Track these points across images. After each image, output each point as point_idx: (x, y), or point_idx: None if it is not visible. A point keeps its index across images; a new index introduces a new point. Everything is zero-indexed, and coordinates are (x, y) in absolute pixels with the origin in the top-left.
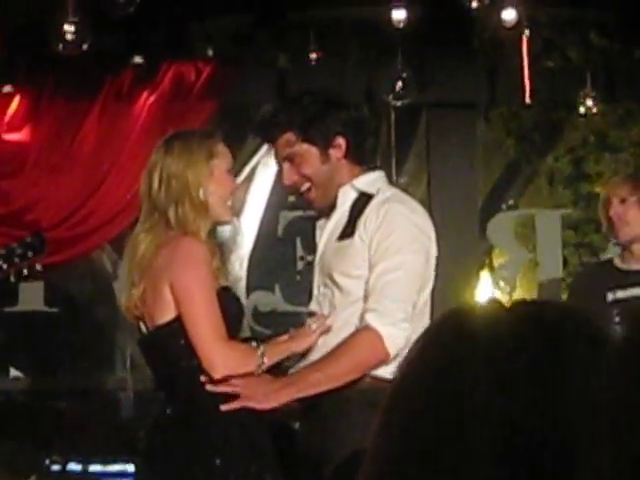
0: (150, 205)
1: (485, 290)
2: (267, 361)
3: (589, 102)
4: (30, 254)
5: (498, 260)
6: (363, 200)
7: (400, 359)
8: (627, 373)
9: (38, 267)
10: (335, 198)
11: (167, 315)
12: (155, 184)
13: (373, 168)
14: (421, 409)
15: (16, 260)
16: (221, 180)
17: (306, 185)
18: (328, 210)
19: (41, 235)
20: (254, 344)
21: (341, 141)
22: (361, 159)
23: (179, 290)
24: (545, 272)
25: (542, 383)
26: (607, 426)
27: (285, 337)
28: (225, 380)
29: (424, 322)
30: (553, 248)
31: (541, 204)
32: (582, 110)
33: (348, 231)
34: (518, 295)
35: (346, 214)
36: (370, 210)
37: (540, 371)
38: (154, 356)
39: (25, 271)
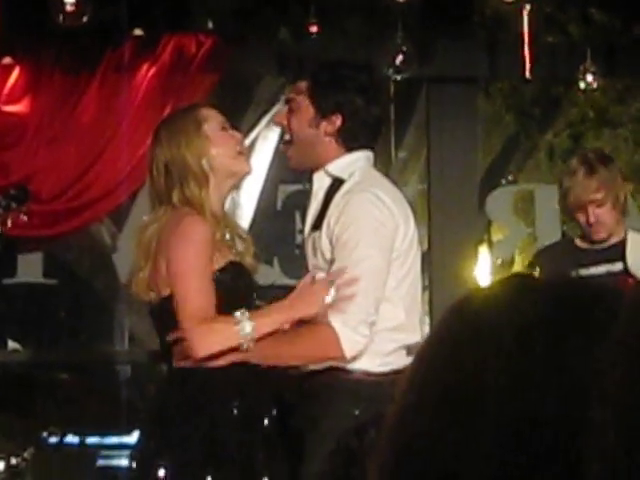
0: (155, 196)
1: (483, 265)
2: (256, 334)
3: (589, 77)
4: (14, 205)
5: (497, 235)
6: (335, 187)
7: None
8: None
9: (23, 217)
10: (311, 179)
11: (168, 288)
12: (154, 176)
13: (357, 148)
14: (435, 391)
15: (0, 212)
16: (219, 140)
17: (287, 136)
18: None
19: (24, 186)
20: (238, 315)
21: (338, 120)
22: (354, 146)
23: (170, 265)
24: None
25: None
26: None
27: (283, 303)
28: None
29: (395, 304)
30: (552, 223)
31: (540, 179)
32: (582, 85)
33: (318, 222)
34: (516, 270)
35: (320, 205)
36: (334, 204)
37: (565, 348)
38: (159, 325)
39: (9, 222)
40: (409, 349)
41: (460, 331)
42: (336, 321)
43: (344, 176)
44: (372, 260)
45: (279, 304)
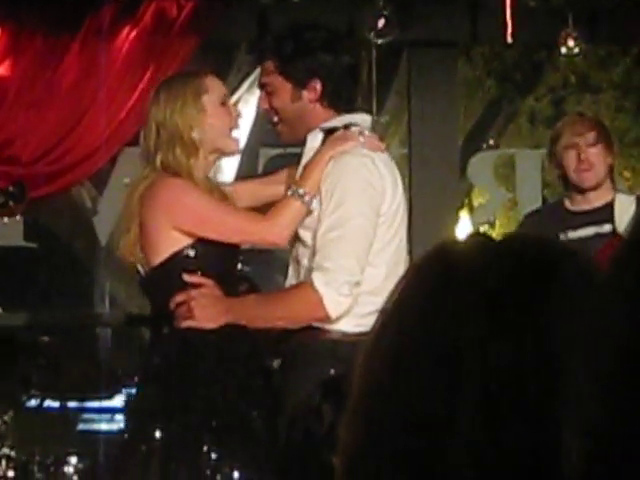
0: (145, 155)
1: (464, 229)
2: (311, 195)
3: (570, 43)
4: (11, 203)
5: (478, 199)
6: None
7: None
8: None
9: (18, 217)
10: (305, 139)
11: (162, 254)
12: (146, 134)
13: (350, 110)
14: (407, 345)
15: None
16: (216, 114)
17: (275, 117)
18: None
19: (22, 184)
20: (290, 192)
21: (317, 84)
22: (341, 105)
23: (190, 224)
24: (524, 212)
25: (534, 317)
26: (590, 360)
27: (319, 153)
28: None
29: (377, 267)
30: (533, 188)
31: (521, 144)
32: (563, 51)
33: None
34: (497, 235)
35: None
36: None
37: (534, 305)
38: (155, 293)
39: (5, 219)
40: None
41: (431, 292)
42: (319, 282)
43: (339, 125)
44: (358, 220)
45: (315, 158)
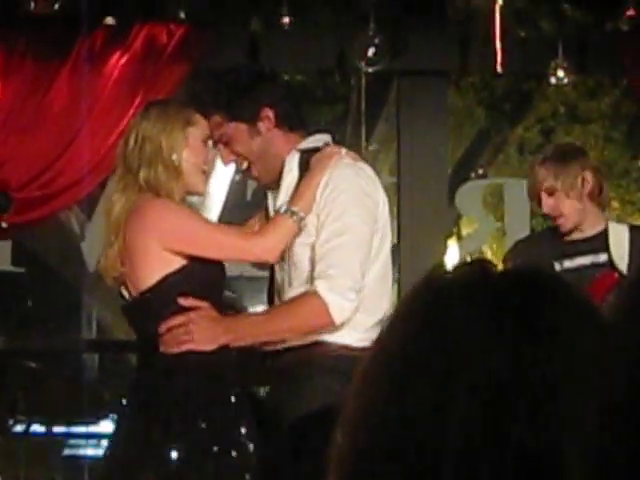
0: (124, 166)
1: (453, 258)
2: (303, 214)
3: (560, 73)
4: None
5: (466, 229)
6: (309, 155)
7: (356, 326)
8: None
9: (3, 225)
10: (281, 169)
11: (151, 278)
12: (130, 146)
13: (318, 131)
14: (399, 376)
15: None
16: (195, 148)
17: (245, 163)
18: (276, 184)
19: (6, 194)
20: (284, 209)
21: (269, 112)
22: (298, 125)
23: (181, 244)
24: (513, 241)
25: (535, 346)
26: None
27: (308, 175)
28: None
29: (381, 291)
30: (521, 218)
31: (510, 173)
32: (553, 81)
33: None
34: None
35: (296, 177)
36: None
37: (529, 320)
38: (142, 318)
39: None
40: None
41: (428, 317)
42: (323, 288)
43: (317, 145)
44: (359, 229)
45: (306, 179)
